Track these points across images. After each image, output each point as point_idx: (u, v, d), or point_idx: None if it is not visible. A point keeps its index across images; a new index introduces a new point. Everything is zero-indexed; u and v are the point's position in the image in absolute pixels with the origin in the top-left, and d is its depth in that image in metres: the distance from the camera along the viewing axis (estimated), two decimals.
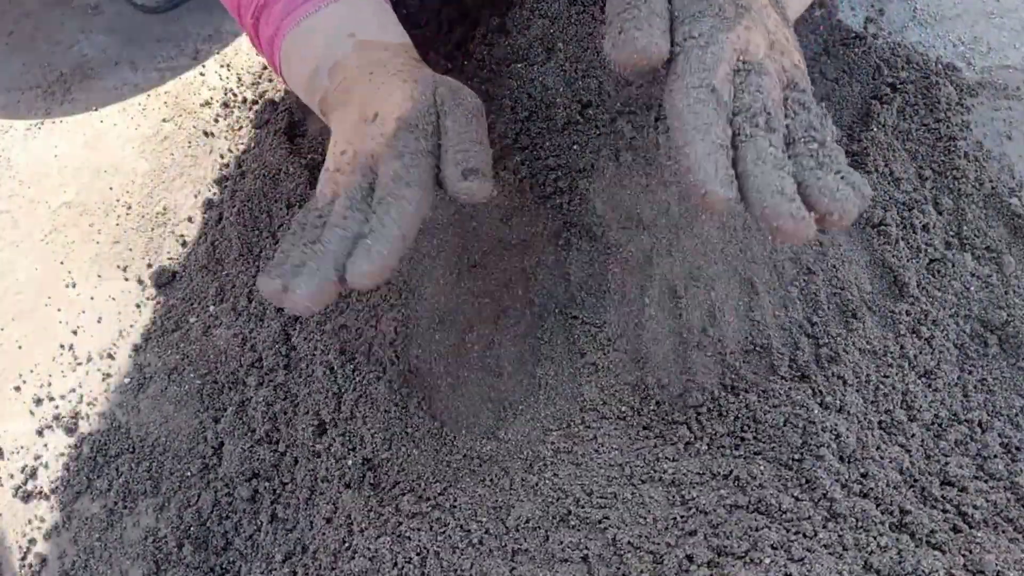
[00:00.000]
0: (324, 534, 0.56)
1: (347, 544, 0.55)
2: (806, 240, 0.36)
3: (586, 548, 0.49)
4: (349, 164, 0.46)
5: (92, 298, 0.74)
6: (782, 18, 0.45)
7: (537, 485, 0.53)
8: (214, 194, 0.78)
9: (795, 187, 0.37)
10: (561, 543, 0.49)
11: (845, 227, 0.38)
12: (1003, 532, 0.52)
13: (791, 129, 0.39)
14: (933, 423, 0.60)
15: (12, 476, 0.66)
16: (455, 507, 0.52)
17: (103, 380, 0.70)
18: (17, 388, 0.70)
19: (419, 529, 0.51)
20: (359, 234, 0.41)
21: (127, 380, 0.69)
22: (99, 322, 0.72)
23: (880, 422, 0.58)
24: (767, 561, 0.45)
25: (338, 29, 0.51)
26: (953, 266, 0.66)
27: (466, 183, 0.43)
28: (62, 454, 0.67)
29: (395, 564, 0.49)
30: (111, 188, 0.79)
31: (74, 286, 0.74)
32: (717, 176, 0.36)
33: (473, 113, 0.46)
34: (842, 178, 0.37)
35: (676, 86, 0.38)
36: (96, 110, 0.85)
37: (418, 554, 0.50)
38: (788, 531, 0.48)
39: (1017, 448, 0.59)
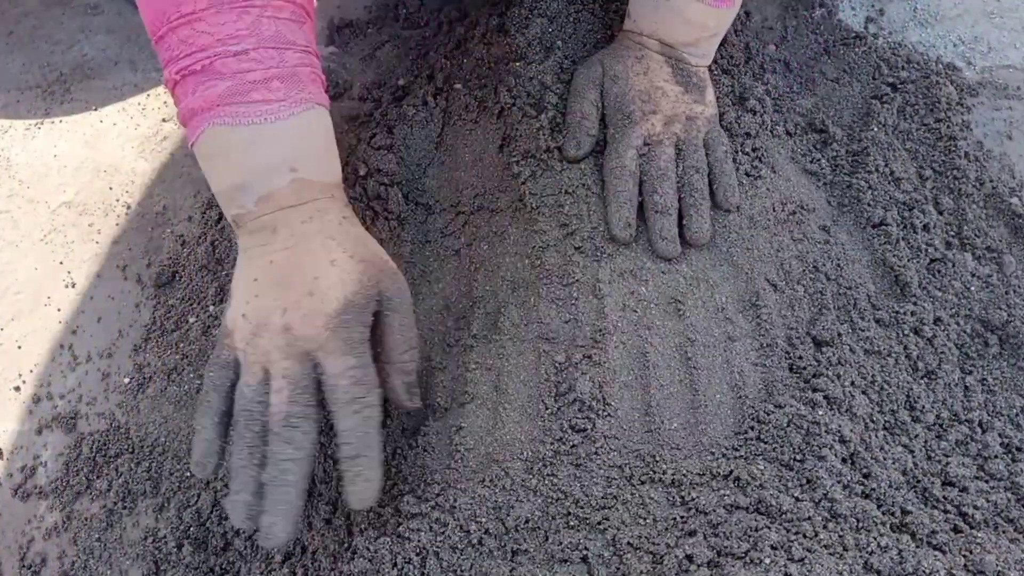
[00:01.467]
0: (323, 535, 0.56)
1: (347, 544, 0.55)
2: (673, 255, 0.59)
3: (586, 548, 0.49)
4: (283, 346, 0.47)
5: (92, 298, 0.74)
6: (684, 88, 0.64)
7: (537, 485, 0.53)
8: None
9: (674, 226, 0.60)
10: (561, 543, 0.49)
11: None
12: (1003, 532, 0.52)
13: (680, 173, 0.61)
14: (935, 423, 0.60)
15: (11, 476, 0.66)
16: (455, 507, 0.52)
17: (102, 380, 0.70)
18: (17, 388, 0.70)
19: (419, 529, 0.51)
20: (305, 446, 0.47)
21: (127, 380, 0.69)
22: (98, 322, 0.72)
23: (884, 423, 0.58)
24: (767, 561, 0.45)
25: (281, 156, 0.48)
26: (954, 266, 0.66)
27: (410, 401, 0.51)
28: (61, 454, 0.67)
29: (395, 564, 0.49)
30: (111, 188, 0.79)
31: (73, 286, 0.74)
32: (619, 224, 0.60)
33: (410, 315, 0.51)
34: (702, 217, 0.60)
35: (605, 164, 0.63)
36: (96, 110, 0.84)
37: (418, 554, 0.50)
38: (788, 531, 0.48)
39: (1018, 448, 0.59)
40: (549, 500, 0.52)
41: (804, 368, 0.58)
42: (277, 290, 0.48)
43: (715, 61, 0.71)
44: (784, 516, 0.49)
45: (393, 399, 0.50)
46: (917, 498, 0.54)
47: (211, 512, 0.62)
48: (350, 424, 0.47)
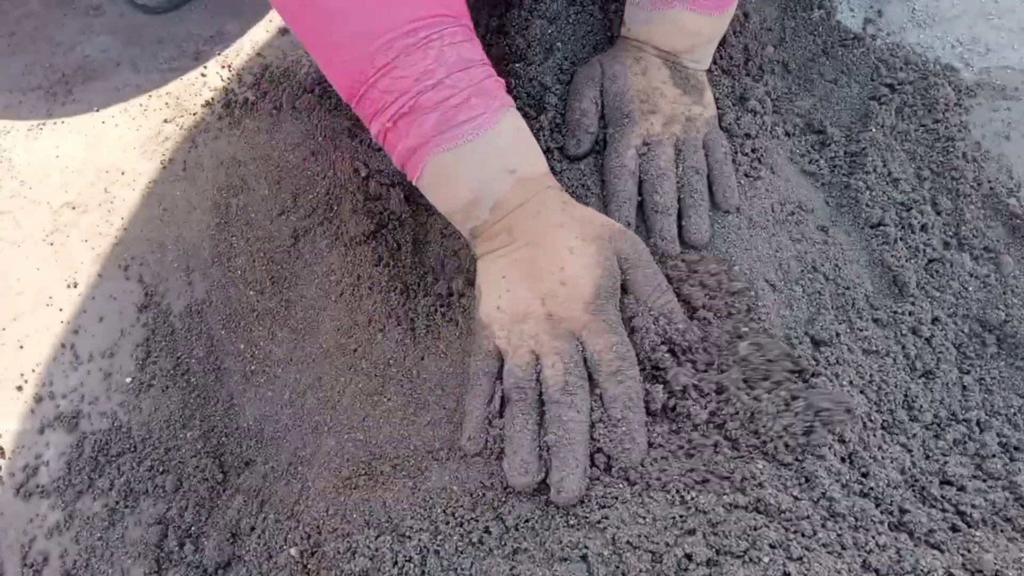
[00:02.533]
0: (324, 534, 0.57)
1: (348, 545, 0.55)
2: (673, 255, 0.60)
3: (586, 548, 0.49)
4: (549, 329, 0.53)
5: (94, 298, 0.74)
6: (682, 90, 0.65)
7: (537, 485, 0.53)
8: (215, 194, 0.78)
9: (674, 226, 0.61)
10: (561, 543, 0.49)
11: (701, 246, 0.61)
12: (1001, 531, 0.52)
13: (680, 174, 0.62)
14: (933, 423, 0.60)
15: (14, 475, 0.67)
16: (455, 507, 0.52)
17: (104, 379, 0.70)
18: (19, 387, 0.70)
19: (420, 529, 0.51)
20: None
21: (128, 379, 0.69)
22: (100, 322, 0.73)
23: (883, 422, 0.58)
24: (766, 560, 0.45)
25: (499, 162, 0.53)
26: (952, 266, 0.67)
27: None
28: (63, 453, 0.67)
29: (395, 563, 0.50)
30: (113, 188, 0.79)
31: (75, 286, 0.75)
32: (621, 221, 0.60)
33: (651, 265, 0.55)
34: (700, 217, 0.61)
35: (605, 164, 0.64)
36: (98, 111, 0.85)
37: (418, 553, 0.50)
38: (787, 530, 0.48)
39: (1015, 447, 0.59)
40: (549, 499, 0.52)
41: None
42: (529, 283, 0.54)
43: (714, 62, 0.71)
44: (783, 515, 0.49)
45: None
46: (915, 497, 0.54)
47: (212, 511, 0.62)
48: (617, 391, 0.52)
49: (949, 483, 0.56)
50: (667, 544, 0.48)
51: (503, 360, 0.55)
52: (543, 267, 0.53)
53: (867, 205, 0.68)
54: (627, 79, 0.65)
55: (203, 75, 0.86)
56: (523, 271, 0.54)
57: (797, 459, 0.53)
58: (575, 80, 0.67)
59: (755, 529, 0.48)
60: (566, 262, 0.53)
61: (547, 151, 0.64)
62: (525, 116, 0.66)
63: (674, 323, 0.55)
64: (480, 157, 0.53)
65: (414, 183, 0.55)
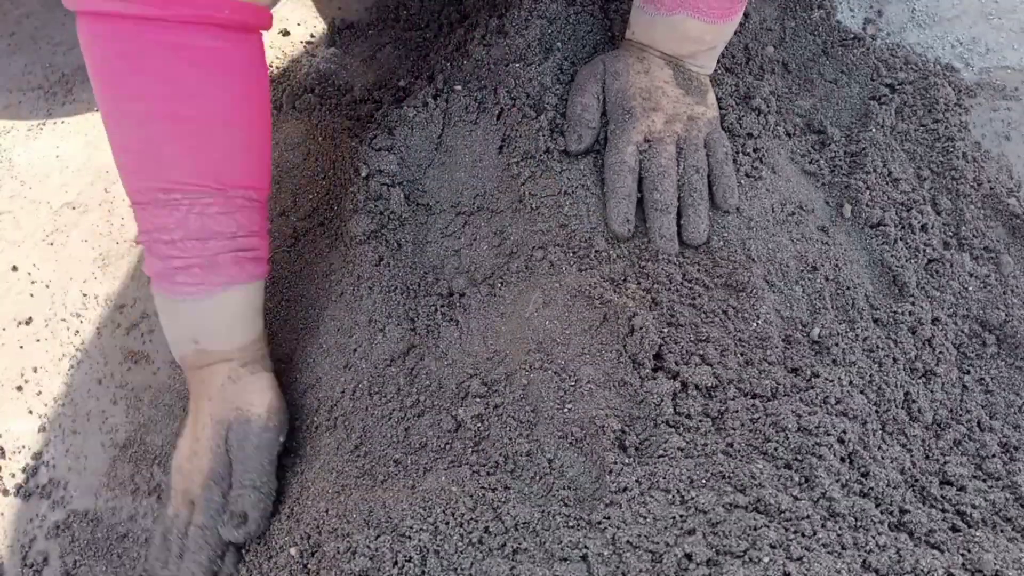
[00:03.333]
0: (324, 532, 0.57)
1: (348, 544, 0.55)
2: (672, 253, 0.62)
3: (586, 547, 0.49)
4: (182, 493, 0.60)
5: (96, 297, 0.74)
6: (685, 91, 0.66)
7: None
8: None
9: (674, 224, 0.62)
10: (561, 543, 0.49)
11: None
12: (1001, 531, 0.52)
13: (680, 172, 0.63)
14: (933, 423, 0.60)
15: (14, 475, 0.67)
16: (455, 507, 0.52)
17: (105, 380, 0.70)
18: (19, 388, 0.70)
19: (420, 529, 0.51)
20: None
21: (130, 380, 0.69)
22: (101, 322, 0.73)
23: (882, 422, 0.58)
24: (766, 560, 0.46)
25: (189, 331, 0.59)
26: (952, 266, 0.67)
27: (235, 532, 0.57)
28: (64, 453, 0.67)
29: (395, 563, 0.50)
30: (113, 188, 0.80)
31: (76, 286, 0.75)
32: (618, 219, 0.62)
33: (253, 456, 0.59)
34: (699, 216, 0.62)
35: (605, 159, 0.64)
36: (97, 111, 0.85)
37: (418, 553, 0.50)
38: (787, 530, 0.48)
39: (1015, 448, 0.59)
40: (549, 499, 0.52)
41: (804, 367, 0.58)
42: (189, 454, 0.61)
43: (716, 61, 0.71)
44: (783, 515, 0.49)
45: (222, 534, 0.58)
46: (915, 497, 0.54)
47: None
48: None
49: (949, 483, 0.56)
50: (667, 544, 0.48)
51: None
52: (193, 427, 0.61)
53: (867, 205, 0.68)
54: (629, 76, 0.65)
55: None
56: (191, 421, 0.61)
57: (797, 459, 0.53)
58: (578, 77, 0.67)
59: (755, 529, 0.48)
60: (199, 434, 0.60)
61: (547, 151, 0.64)
62: (524, 117, 0.66)
63: None
64: (177, 319, 0.59)
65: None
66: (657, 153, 0.62)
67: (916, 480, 0.55)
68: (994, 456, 0.58)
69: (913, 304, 0.64)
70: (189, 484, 0.59)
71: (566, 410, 0.55)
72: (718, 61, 0.71)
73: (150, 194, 0.55)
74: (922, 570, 0.46)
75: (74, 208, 0.79)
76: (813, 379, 0.57)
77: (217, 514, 0.58)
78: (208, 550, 0.57)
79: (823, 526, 0.49)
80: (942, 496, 0.54)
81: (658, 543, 0.48)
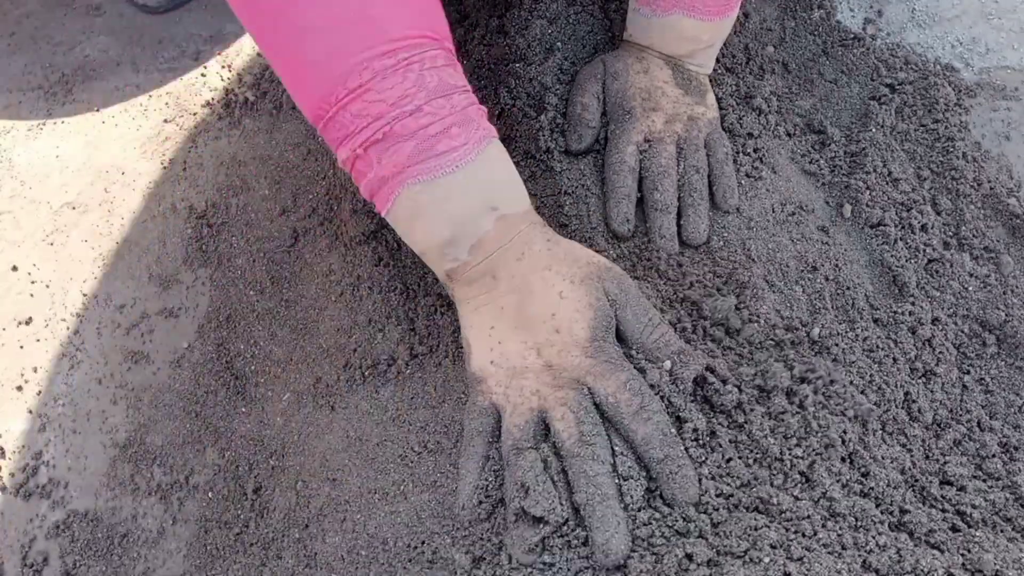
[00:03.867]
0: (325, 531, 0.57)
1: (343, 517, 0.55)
2: (671, 253, 0.60)
3: None
4: (550, 380, 0.48)
5: (94, 298, 0.74)
6: (684, 91, 0.65)
7: None
8: (216, 194, 0.78)
9: (674, 224, 0.61)
10: None
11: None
12: (1001, 531, 0.52)
13: (680, 172, 0.62)
14: (933, 423, 0.60)
15: (13, 475, 0.67)
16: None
17: (105, 380, 0.70)
18: (19, 388, 0.70)
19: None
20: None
21: (130, 380, 0.69)
22: (101, 322, 0.73)
23: (883, 422, 0.58)
24: (766, 560, 0.45)
25: (480, 199, 0.49)
26: (952, 266, 0.67)
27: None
28: (64, 453, 0.67)
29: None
30: (113, 188, 0.80)
31: (76, 286, 0.75)
32: (618, 219, 0.61)
33: (640, 301, 0.51)
34: (699, 216, 0.61)
35: (606, 159, 0.64)
36: (98, 111, 0.85)
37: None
38: (787, 530, 0.48)
39: (1015, 448, 0.59)
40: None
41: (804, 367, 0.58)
42: (521, 333, 0.50)
43: (717, 61, 0.71)
44: (783, 515, 0.49)
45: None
46: (915, 497, 0.54)
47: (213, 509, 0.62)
48: (648, 430, 0.47)
49: (949, 483, 0.56)
50: (667, 544, 0.48)
51: (500, 418, 0.50)
52: (533, 315, 0.50)
53: (867, 205, 0.68)
54: (629, 76, 0.65)
55: (203, 75, 0.87)
56: (513, 321, 0.50)
57: (797, 459, 0.53)
58: (578, 76, 0.67)
59: (755, 529, 0.48)
60: (557, 308, 0.49)
61: (547, 151, 0.64)
62: (524, 116, 0.67)
63: (684, 360, 0.50)
64: (460, 192, 0.49)
65: (384, 216, 0.51)
66: (657, 153, 0.62)
67: (916, 480, 0.55)
68: (994, 456, 0.58)
69: (913, 304, 0.64)
70: (565, 362, 0.48)
71: None
72: (718, 61, 0.71)
73: (371, 69, 0.45)
74: (922, 570, 0.46)
75: (74, 208, 0.79)
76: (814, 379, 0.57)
77: (631, 368, 0.48)
78: (656, 411, 0.47)
79: (823, 526, 0.49)
80: (942, 496, 0.54)
81: (658, 543, 0.48)
